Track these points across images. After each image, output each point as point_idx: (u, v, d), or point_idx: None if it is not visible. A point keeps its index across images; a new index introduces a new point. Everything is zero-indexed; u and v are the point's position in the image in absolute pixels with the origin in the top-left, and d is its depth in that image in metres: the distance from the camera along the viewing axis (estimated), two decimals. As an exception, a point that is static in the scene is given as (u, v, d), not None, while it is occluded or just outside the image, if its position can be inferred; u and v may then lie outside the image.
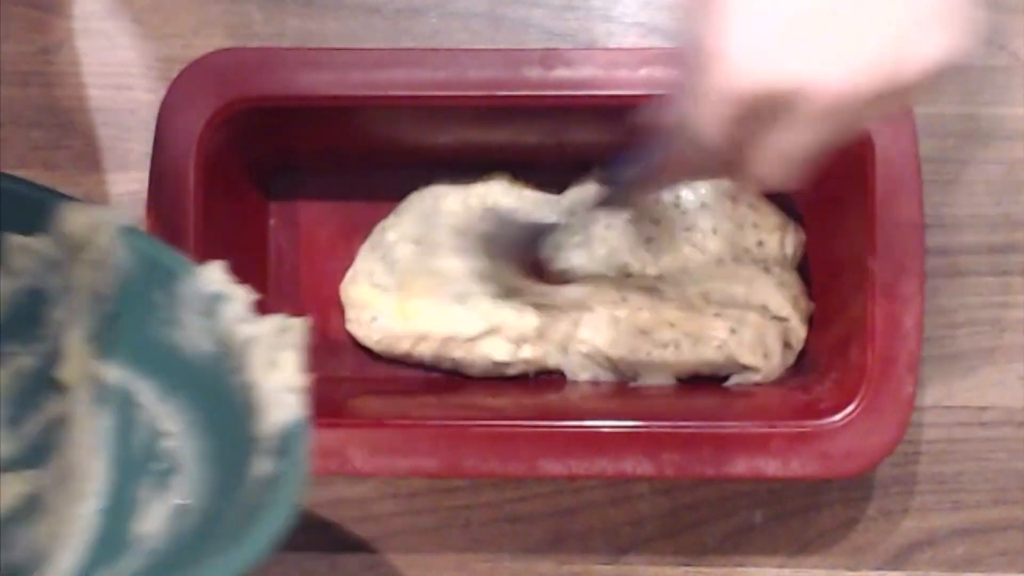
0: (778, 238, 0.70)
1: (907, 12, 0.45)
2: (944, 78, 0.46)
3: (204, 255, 0.64)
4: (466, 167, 0.71)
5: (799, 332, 0.70)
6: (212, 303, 0.52)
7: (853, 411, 0.64)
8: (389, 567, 0.72)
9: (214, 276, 0.52)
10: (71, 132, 0.73)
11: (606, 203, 0.62)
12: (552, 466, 0.64)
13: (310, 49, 0.68)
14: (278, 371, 0.50)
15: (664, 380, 0.70)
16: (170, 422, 0.54)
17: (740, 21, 0.45)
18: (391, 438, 0.64)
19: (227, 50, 0.66)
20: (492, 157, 0.71)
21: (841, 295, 0.67)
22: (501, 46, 0.72)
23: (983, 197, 0.72)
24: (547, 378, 0.72)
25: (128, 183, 0.72)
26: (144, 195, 0.66)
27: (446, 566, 0.72)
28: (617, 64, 0.65)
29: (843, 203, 0.67)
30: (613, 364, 0.70)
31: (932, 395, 0.72)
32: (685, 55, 0.49)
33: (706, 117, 0.48)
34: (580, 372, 0.71)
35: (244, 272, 0.70)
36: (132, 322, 0.54)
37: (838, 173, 0.67)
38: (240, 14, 0.73)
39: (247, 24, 0.73)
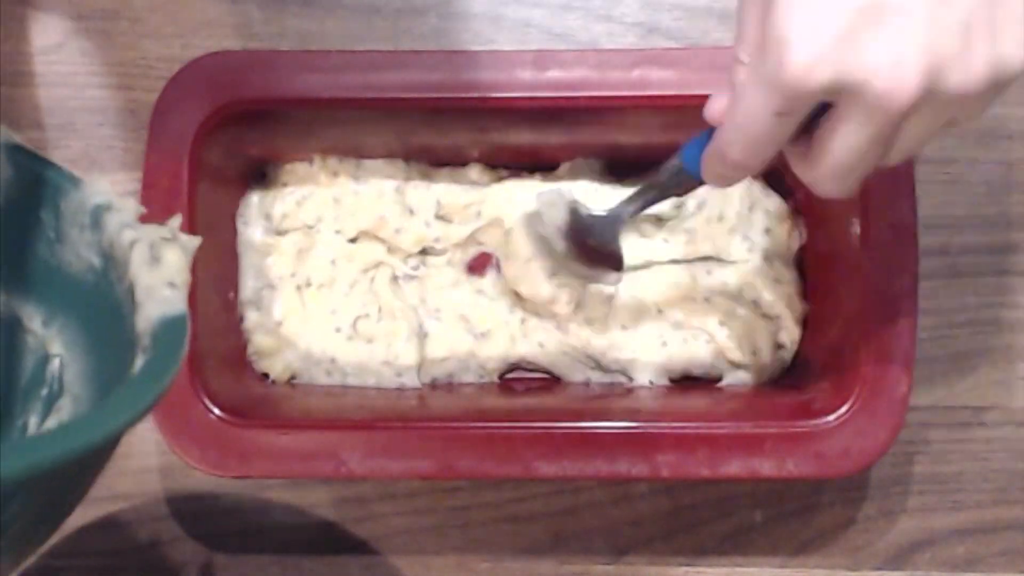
0: (787, 229, 0.70)
1: (974, 14, 0.45)
2: (1000, 89, 0.46)
3: (197, 259, 0.65)
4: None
5: (793, 332, 0.70)
6: (98, 214, 0.49)
7: (847, 411, 0.63)
8: (389, 567, 0.72)
9: (100, 188, 0.50)
10: (71, 132, 0.73)
11: (664, 191, 0.61)
12: (547, 467, 0.64)
13: (303, 52, 0.68)
14: (159, 267, 0.48)
15: (656, 378, 0.70)
16: (56, 344, 0.52)
17: (805, 9, 0.45)
18: (386, 440, 0.64)
19: (219, 53, 0.66)
20: (487, 158, 0.71)
21: (835, 295, 0.67)
22: (501, 46, 0.72)
23: (983, 197, 0.72)
24: (540, 380, 0.72)
25: (128, 183, 0.72)
26: (144, 196, 0.66)
27: (446, 566, 0.72)
28: (611, 65, 0.65)
29: (837, 203, 0.67)
30: (597, 361, 0.71)
31: (932, 395, 0.71)
32: (740, 40, 0.50)
33: (761, 107, 0.47)
34: (572, 374, 0.71)
35: (236, 274, 0.71)
36: (17, 243, 0.51)
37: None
38: (240, 14, 0.73)
39: (247, 24, 0.73)
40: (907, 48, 0.44)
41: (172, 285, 0.47)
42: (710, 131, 0.54)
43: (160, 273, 0.47)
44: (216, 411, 0.65)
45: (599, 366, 0.71)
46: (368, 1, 0.73)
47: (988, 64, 0.45)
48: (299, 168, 0.71)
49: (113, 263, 0.49)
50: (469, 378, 0.71)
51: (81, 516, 0.72)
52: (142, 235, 0.48)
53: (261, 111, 0.66)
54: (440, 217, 0.71)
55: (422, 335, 0.71)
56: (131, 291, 0.47)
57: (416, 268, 0.71)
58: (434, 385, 0.71)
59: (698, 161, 0.55)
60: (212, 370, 0.66)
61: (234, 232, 0.71)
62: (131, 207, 0.50)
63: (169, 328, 0.46)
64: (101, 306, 0.50)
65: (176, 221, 0.50)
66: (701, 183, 0.57)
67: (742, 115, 0.48)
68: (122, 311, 0.48)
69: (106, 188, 0.50)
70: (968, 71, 0.45)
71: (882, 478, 0.72)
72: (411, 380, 0.70)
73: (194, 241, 0.49)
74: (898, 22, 0.44)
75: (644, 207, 0.64)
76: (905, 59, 0.44)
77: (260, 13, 0.73)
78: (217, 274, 0.69)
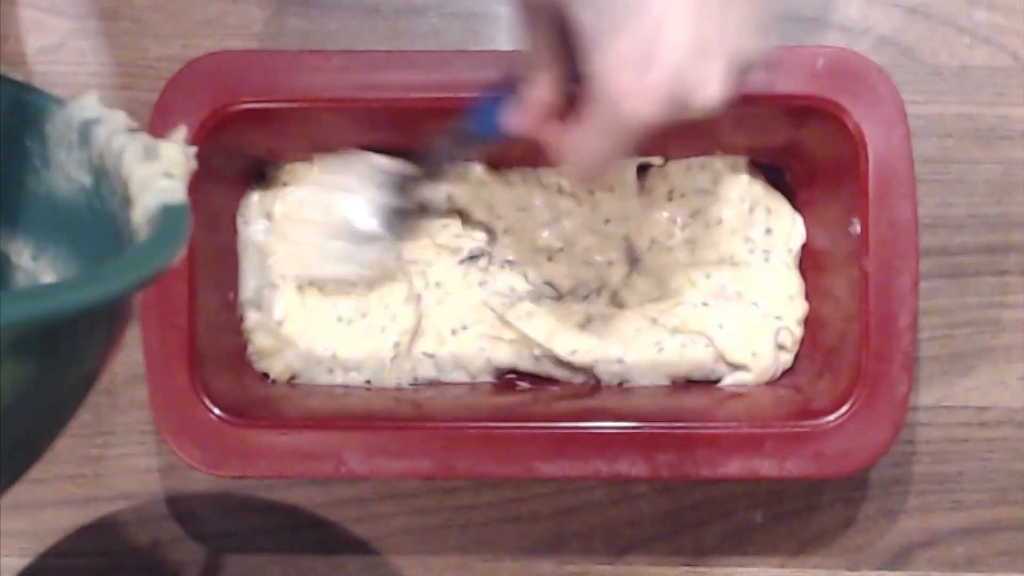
0: (788, 229, 0.70)
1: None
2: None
3: (197, 259, 0.65)
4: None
5: (794, 333, 0.70)
6: (86, 129, 0.47)
7: (847, 411, 0.63)
8: (389, 567, 0.72)
9: (87, 102, 0.47)
10: (71, 132, 0.73)
11: (451, 156, 0.64)
12: (547, 467, 0.64)
13: (303, 52, 0.68)
14: (155, 161, 0.44)
15: (657, 381, 0.70)
16: (48, 275, 0.50)
17: (633, 64, 0.48)
18: (386, 440, 0.64)
19: (219, 53, 0.66)
20: (488, 158, 0.71)
21: (835, 295, 0.67)
22: (501, 46, 0.72)
23: (983, 197, 0.72)
24: (539, 380, 0.71)
25: (128, 183, 0.72)
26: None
27: (446, 566, 0.72)
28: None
29: (836, 203, 0.67)
30: (590, 371, 0.70)
31: (932, 395, 0.71)
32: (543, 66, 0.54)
33: (609, 146, 0.51)
34: (570, 377, 0.71)
35: (236, 274, 0.71)
36: (2, 177, 0.49)
37: (831, 172, 0.67)
38: (240, 14, 0.73)
39: (247, 24, 0.73)
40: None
41: (169, 175, 0.44)
42: (494, 99, 0.58)
43: (156, 166, 0.45)
44: (216, 411, 0.65)
45: (592, 376, 0.70)
46: (368, 1, 0.73)
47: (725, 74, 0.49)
48: (299, 168, 0.71)
49: (104, 176, 0.47)
50: (460, 378, 0.71)
51: (81, 516, 0.72)
52: (134, 138, 0.46)
53: (261, 111, 0.66)
54: (456, 212, 0.71)
55: (417, 297, 0.70)
56: (126, 196, 0.44)
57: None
58: (432, 384, 0.71)
59: (488, 126, 0.58)
60: (212, 370, 0.66)
61: (234, 232, 0.70)
62: (120, 118, 0.47)
63: (169, 214, 0.43)
64: (95, 226, 0.47)
65: (180, 134, 0.47)
66: (488, 141, 0.61)
67: (591, 154, 0.52)
68: (117, 225, 0.45)
69: (93, 102, 0.48)
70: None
71: (882, 478, 0.72)
72: (405, 365, 0.70)
73: (192, 149, 0.46)
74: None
75: (435, 174, 0.66)
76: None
77: (260, 13, 0.73)
78: (217, 274, 0.69)
